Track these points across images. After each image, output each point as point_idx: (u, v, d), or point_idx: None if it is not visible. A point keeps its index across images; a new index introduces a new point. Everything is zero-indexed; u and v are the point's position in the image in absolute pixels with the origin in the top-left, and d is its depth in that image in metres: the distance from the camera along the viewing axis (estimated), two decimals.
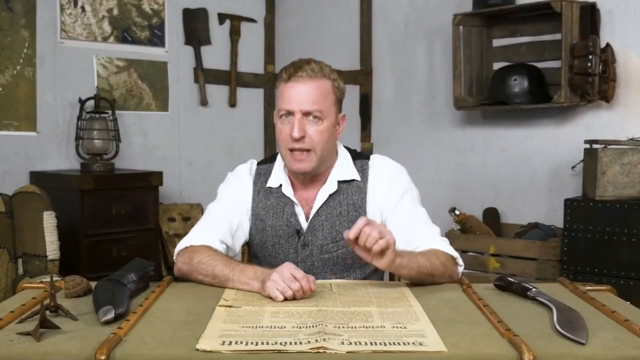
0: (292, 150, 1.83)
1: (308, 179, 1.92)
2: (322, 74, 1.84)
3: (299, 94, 1.81)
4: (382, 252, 1.60)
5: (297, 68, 1.83)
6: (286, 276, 1.56)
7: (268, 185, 1.94)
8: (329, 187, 1.90)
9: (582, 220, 3.02)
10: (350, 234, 1.58)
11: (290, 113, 1.82)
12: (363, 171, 1.93)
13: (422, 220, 1.90)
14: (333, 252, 1.88)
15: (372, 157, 1.97)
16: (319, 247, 1.88)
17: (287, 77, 1.83)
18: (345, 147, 2.00)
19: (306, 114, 1.81)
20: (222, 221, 1.90)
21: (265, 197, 1.94)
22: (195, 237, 1.85)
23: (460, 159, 3.89)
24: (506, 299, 1.60)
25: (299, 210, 1.91)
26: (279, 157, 1.96)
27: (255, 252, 1.99)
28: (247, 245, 2.01)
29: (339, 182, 1.91)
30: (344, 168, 1.93)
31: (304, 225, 1.90)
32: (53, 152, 3.73)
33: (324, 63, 1.88)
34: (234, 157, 4.53)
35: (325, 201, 1.90)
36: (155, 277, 1.78)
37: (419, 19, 4.01)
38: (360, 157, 1.97)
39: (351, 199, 1.90)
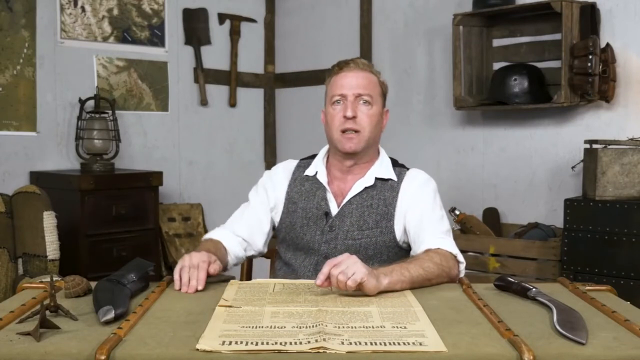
0: (343, 131, 1.98)
1: (349, 168, 2.04)
2: (370, 69, 2.05)
3: (351, 81, 1.99)
4: (361, 284, 1.59)
5: (347, 62, 2.03)
6: (186, 263, 1.71)
7: (305, 173, 2.09)
8: (366, 180, 2.03)
9: (582, 220, 3.02)
10: (318, 280, 1.61)
11: (343, 97, 1.98)
12: (400, 175, 2.06)
13: (434, 220, 1.97)
14: (357, 239, 1.96)
15: (411, 169, 2.10)
16: (344, 232, 1.97)
17: (339, 68, 2.03)
18: (389, 157, 2.13)
19: (358, 96, 1.98)
20: (243, 219, 2.08)
21: (300, 184, 2.09)
22: (215, 230, 2.08)
23: (460, 159, 3.89)
24: (506, 299, 1.61)
25: (330, 197, 2.04)
26: (320, 152, 2.13)
27: (283, 236, 2.08)
28: (276, 231, 2.11)
29: (376, 178, 2.03)
30: (383, 168, 2.06)
31: (334, 209, 2.02)
32: (53, 152, 3.73)
33: (369, 62, 2.09)
34: (234, 157, 4.54)
35: (360, 192, 2.01)
36: (155, 277, 1.79)
37: (419, 19, 4.01)
38: (401, 166, 2.10)
39: (384, 195, 2.01)
